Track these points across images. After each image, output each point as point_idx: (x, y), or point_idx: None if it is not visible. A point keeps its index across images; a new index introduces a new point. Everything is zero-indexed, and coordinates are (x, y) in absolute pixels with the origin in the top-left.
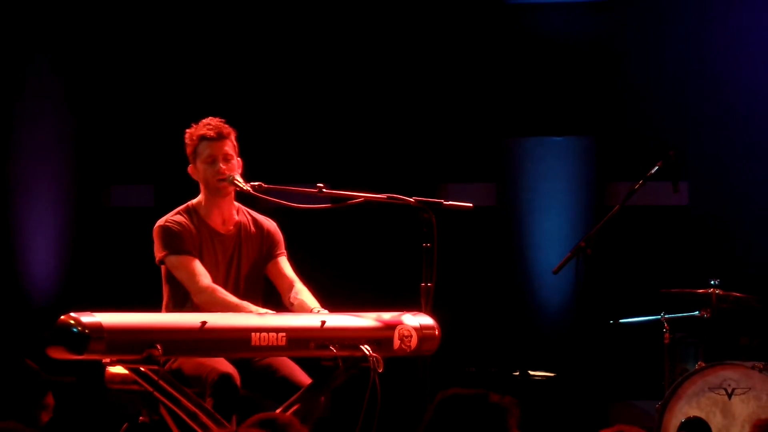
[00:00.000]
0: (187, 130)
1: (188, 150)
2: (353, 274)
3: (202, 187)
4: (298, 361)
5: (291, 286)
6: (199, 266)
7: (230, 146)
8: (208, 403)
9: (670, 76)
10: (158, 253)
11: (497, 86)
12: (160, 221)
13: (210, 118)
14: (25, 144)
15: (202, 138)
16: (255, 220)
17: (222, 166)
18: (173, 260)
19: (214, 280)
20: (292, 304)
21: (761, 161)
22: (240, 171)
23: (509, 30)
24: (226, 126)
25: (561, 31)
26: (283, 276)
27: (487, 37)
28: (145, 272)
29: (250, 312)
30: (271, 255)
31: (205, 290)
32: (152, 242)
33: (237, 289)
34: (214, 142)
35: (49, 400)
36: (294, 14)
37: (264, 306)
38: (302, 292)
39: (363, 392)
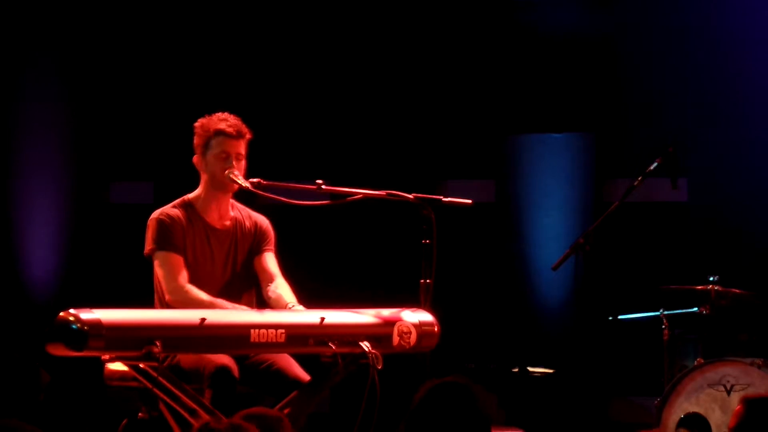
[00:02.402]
0: (200, 120)
1: (198, 140)
2: (352, 271)
3: (204, 180)
4: (298, 358)
5: (271, 280)
6: (180, 266)
7: (243, 146)
8: (207, 395)
9: (669, 72)
10: (147, 245)
11: (497, 83)
12: (155, 214)
13: (226, 113)
14: (25, 142)
15: (220, 133)
16: (249, 216)
17: (234, 164)
18: (158, 256)
19: (209, 275)
20: (270, 298)
21: (760, 158)
22: (244, 171)
23: (509, 27)
24: (244, 125)
25: (561, 28)
26: (266, 270)
27: (487, 34)
28: (145, 269)
29: (225, 309)
30: (259, 249)
31: (176, 290)
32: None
33: (232, 283)
34: (232, 139)
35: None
36: (294, 10)
37: (250, 302)
38: (281, 287)
39: (362, 389)
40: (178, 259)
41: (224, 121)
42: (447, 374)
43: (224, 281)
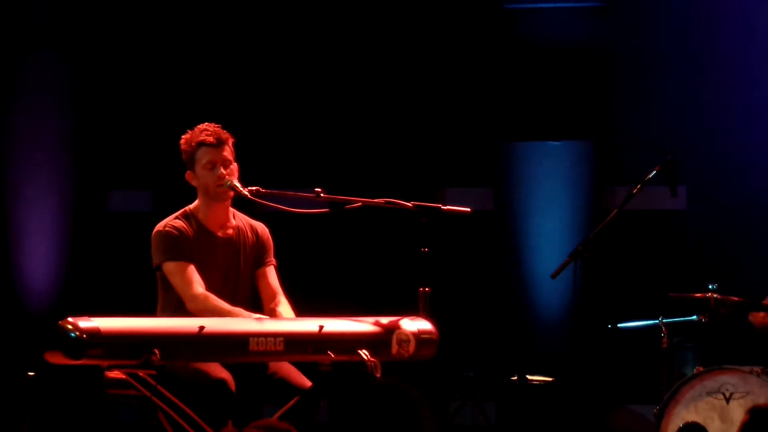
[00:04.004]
0: (183, 137)
1: (185, 156)
2: (351, 279)
3: (200, 192)
4: (296, 366)
5: (274, 296)
6: (194, 273)
7: (228, 151)
8: (203, 408)
9: (668, 79)
10: (155, 258)
11: (496, 91)
12: (159, 226)
13: (206, 123)
14: (23, 149)
15: (201, 144)
16: (252, 226)
17: (222, 171)
18: (170, 266)
19: (212, 285)
20: (270, 315)
21: (759, 166)
22: (237, 175)
23: (507, 34)
24: (224, 131)
25: (559, 36)
26: (269, 285)
27: (485, 42)
28: (143, 277)
29: (244, 317)
30: (261, 262)
31: (197, 297)
32: (150, 247)
33: (234, 293)
34: (214, 148)
35: None
36: (292, 19)
37: (253, 310)
38: (282, 304)
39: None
40: (190, 266)
41: (204, 131)
42: (445, 383)
43: (228, 290)
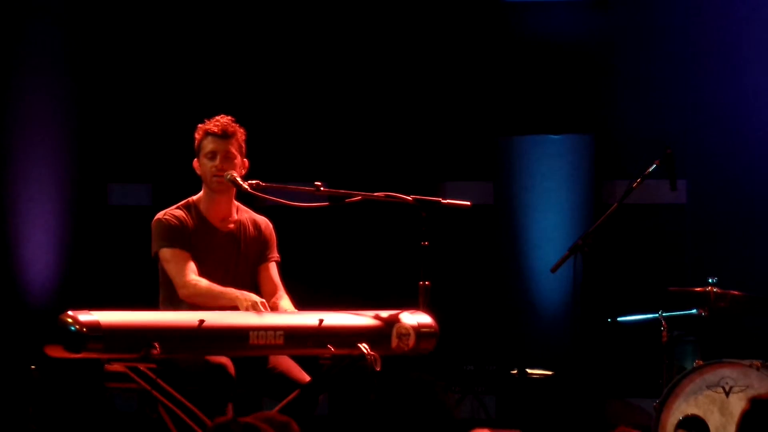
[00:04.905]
0: (199, 125)
1: (195, 144)
2: (351, 273)
3: (203, 183)
4: (296, 359)
5: (274, 291)
6: (188, 261)
7: (234, 146)
8: (204, 395)
9: (667, 73)
10: (153, 245)
11: (495, 85)
12: (159, 215)
13: (222, 115)
14: (23, 143)
15: (207, 133)
16: (254, 221)
17: (220, 163)
18: (166, 253)
19: (210, 277)
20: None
21: (759, 159)
22: (244, 172)
23: (506, 28)
24: (233, 125)
25: (558, 29)
26: (270, 281)
27: (485, 36)
28: (143, 271)
29: (236, 296)
30: (264, 257)
31: (187, 284)
32: (150, 240)
33: (233, 287)
34: (217, 138)
35: None
36: (294, 13)
37: None
38: (282, 299)
39: (361, 391)
40: (186, 255)
41: (215, 121)
42: (445, 377)
43: (226, 283)
